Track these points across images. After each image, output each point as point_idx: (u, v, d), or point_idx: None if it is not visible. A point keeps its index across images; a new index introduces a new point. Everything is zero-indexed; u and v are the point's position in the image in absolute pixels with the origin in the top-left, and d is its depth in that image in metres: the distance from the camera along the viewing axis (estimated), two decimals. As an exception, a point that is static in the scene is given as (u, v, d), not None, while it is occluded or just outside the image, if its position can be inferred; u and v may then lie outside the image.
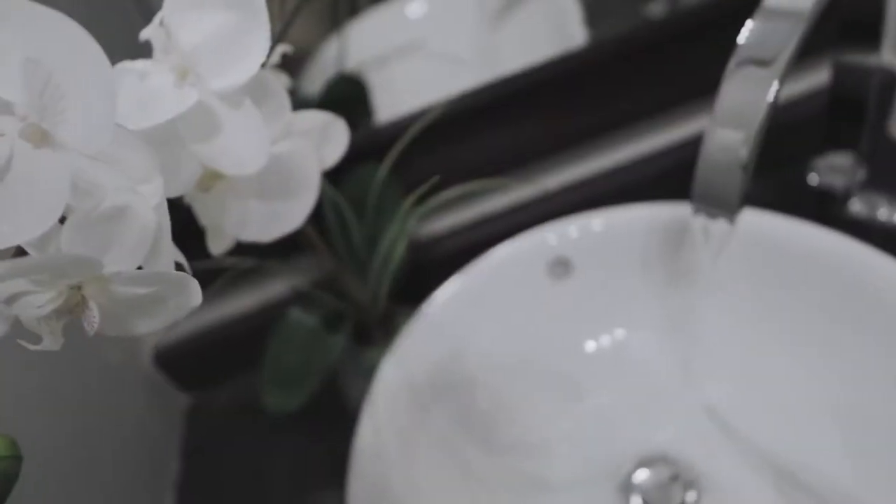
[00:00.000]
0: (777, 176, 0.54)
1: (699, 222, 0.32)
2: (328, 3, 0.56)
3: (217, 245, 0.28)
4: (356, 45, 0.56)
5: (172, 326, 0.56)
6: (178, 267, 0.23)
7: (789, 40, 0.27)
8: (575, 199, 0.54)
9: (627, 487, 0.39)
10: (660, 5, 0.55)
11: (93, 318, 0.19)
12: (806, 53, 0.50)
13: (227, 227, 0.27)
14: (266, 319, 0.48)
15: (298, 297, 0.48)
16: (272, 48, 0.30)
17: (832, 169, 0.44)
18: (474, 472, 0.39)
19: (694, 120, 0.54)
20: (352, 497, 0.34)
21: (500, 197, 0.56)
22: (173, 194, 0.23)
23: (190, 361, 0.56)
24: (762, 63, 0.28)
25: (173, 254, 0.22)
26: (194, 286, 0.20)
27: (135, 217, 0.18)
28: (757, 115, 0.27)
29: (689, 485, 0.38)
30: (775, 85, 0.27)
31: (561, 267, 0.44)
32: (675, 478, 0.39)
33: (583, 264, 0.44)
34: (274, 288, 0.55)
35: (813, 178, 0.45)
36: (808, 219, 0.39)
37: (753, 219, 0.39)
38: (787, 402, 0.38)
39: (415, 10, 0.59)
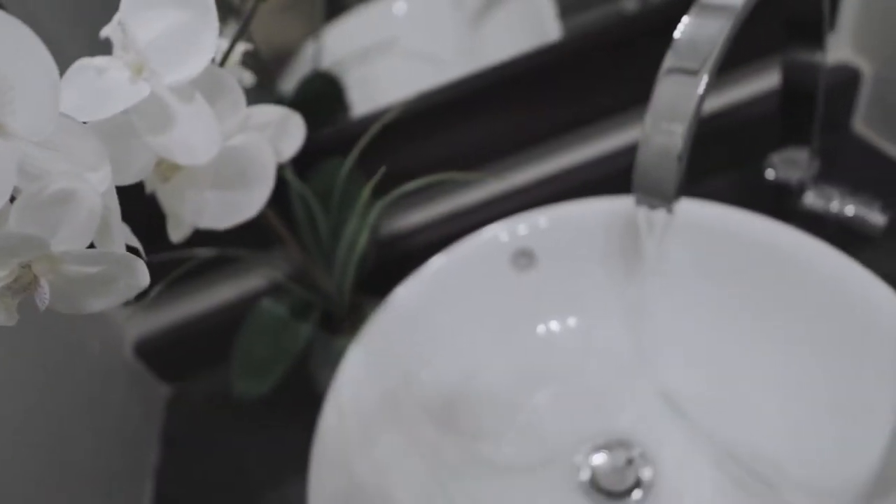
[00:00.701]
0: (738, 172, 0.56)
1: (642, 213, 0.33)
2: (316, 2, 0.58)
3: (176, 232, 0.30)
4: (339, 43, 0.57)
5: (153, 318, 0.57)
6: (135, 252, 0.24)
7: (719, 36, 0.29)
8: (548, 192, 0.55)
9: (584, 470, 0.40)
10: (632, 2, 0.56)
11: (44, 295, 0.20)
12: (762, 54, 0.52)
13: (184, 216, 0.29)
14: (244, 311, 0.49)
15: (275, 289, 0.49)
16: (232, 46, 0.32)
17: (788, 164, 0.46)
18: (435, 454, 0.40)
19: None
20: (313, 475, 0.36)
21: (474, 191, 0.57)
22: (126, 182, 0.25)
23: (170, 352, 0.58)
24: (694, 59, 0.29)
25: (124, 237, 0.23)
26: (141, 267, 0.22)
27: (81, 200, 0.20)
28: (689, 109, 0.29)
29: (642, 467, 0.40)
30: (705, 79, 0.28)
31: (525, 258, 0.45)
32: (629, 460, 0.40)
33: (546, 255, 0.45)
34: (252, 281, 0.57)
35: (770, 174, 0.47)
36: (766, 212, 0.40)
37: (704, 210, 0.41)
38: (738, 386, 0.40)
39: (396, 8, 0.61)
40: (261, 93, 0.55)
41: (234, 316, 0.56)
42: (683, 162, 0.30)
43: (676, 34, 0.30)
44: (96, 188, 0.21)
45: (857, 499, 0.31)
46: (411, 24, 0.60)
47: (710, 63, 0.29)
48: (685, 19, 0.30)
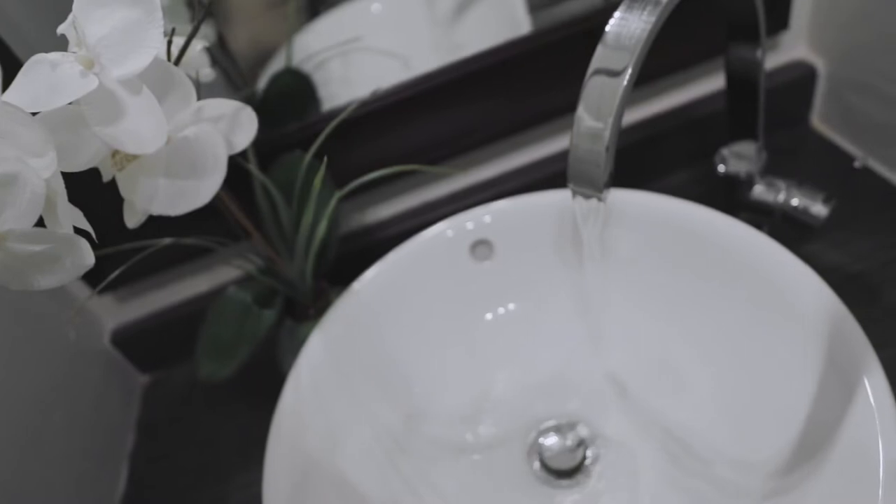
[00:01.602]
0: (696, 167, 0.58)
1: (578, 203, 0.35)
2: (294, 2, 0.59)
3: (131, 219, 0.31)
4: (317, 42, 0.59)
5: (131, 308, 0.59)
6: (85, 235, 0.26)
7: (644, 31, 0.30)
8: (515, 186, 0.57)
9: (533, 450, 0.42)
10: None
11: (-9, 271, 0.22)
12: (719, 52, 0.53)
13: (137, 203, 0.30)
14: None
15: (247, 279, 0.51)
16: (187, 43, 0.34)
17: (737, 158, 0.47)
18: (391, 435, 0.42)
19: (636, 108, 0.58)
20: (270, 454, 0.37)
21: (442, 185, 0.59)
22: (78, 169, 0.26)
23: (147, 342, 0.59)
24: (620, 53, 0.30)
25: (73, 219, 0.25)
26: (84, 246, 0.24)
27: (24, 183, 0.22)
28: (614, 101, 0.30)
29: (589, 446, 0.41)
30: (629, 73, 0.30)
31: (484, 248, 0.47)
32: (577, 441, 0.42)
33: (503, 246, 0.47)
34: (228, 272, 0.59)
35: (721, 168, 0.48)
36: (717, 205, 0.42)
37: (647, 201, 0.42)
38: (678, 369, 0.41)
39: (374, 8, 0.63)
40: (234, 89, 0.57)
41: (208, 306, 0.58)
42: (612, 152, 0.31)
43: (607, 28, 0.31)
44: (40, 172, 0.22)
45: (779, 468, 0.33)
46: (389, 23, 0.62)
47: (635, 57, 0.30)
48: (616, 14, 0.32)
